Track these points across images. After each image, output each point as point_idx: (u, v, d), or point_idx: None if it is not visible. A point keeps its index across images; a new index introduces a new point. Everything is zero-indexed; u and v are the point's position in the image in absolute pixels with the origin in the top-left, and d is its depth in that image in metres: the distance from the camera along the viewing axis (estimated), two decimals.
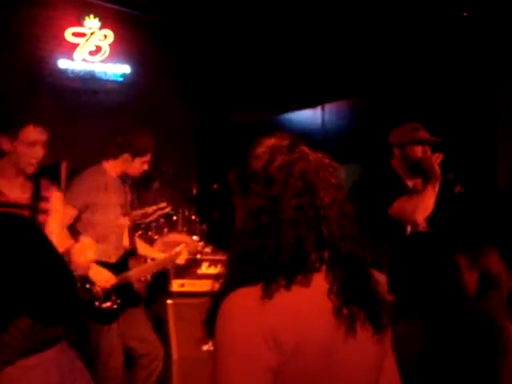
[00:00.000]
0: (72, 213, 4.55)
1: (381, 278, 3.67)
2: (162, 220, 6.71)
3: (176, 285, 5.45)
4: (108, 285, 4.54)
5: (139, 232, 6.43)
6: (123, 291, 4.65)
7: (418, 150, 4.31)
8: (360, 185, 4.23)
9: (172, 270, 5.35)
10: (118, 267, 4.70)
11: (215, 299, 1.63)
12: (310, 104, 9.06)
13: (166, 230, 6.58)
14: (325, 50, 8.24)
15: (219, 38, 9.41)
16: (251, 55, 9.18)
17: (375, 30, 7.51)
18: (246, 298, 1.56)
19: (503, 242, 3.82)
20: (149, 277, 5.13)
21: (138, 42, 9.50)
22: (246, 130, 9.02)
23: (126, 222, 4.88)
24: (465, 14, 6.25)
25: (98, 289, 4.49)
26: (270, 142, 1.72)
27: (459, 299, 2.69)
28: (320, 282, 1.60)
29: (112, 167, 4.76)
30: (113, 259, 4.71)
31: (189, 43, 9.56)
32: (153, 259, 5.10)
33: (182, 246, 5.12)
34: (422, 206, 4.10)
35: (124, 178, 4.83)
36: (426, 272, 2.70)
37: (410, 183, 4.37)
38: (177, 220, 6.75)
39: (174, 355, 5.11)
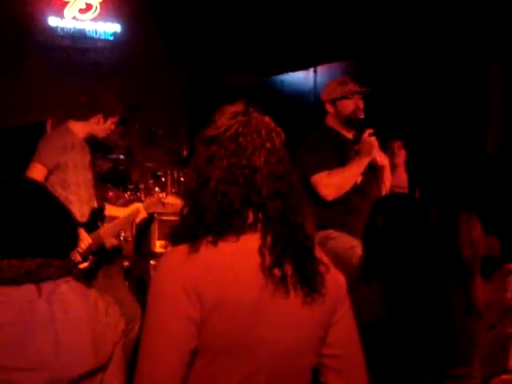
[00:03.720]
0: (42, 171, 4.51)
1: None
2: (151, 181, 6.69)
3: (159, 245, 5.45)
4: (86, 244, 4.50)
5: (128, 193, 6.41)
6: (98, 250, 4.61)
7: (350, 104, 4.19)
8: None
9: (155, 231, 5.32)
10: (89, 226, 4.66)
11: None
12: (302, 66, 9.00)
13: (156, 190, 6.55)
14: (317, 11, 8.16)
15: None
16: (244, 17, 9.08)
17: None
18: (175, 253, 1.69)
19: (492, 208, 3.81)
20: (129, 234, 5.08)
21: (129, 0, 9.39)
22: (238, 92, 8.96)
23: (91, 181, 4.81)
24: None
25: (77, 254, 4.45)
26: (230, 108, 1.79)
27: (423, 267, 2.65)
28: (253, 240, 1.69)
29: (80, 128, 4.67)
30: (84, 219, 4.67)
31: (181, 2, 9.45)
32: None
33: (139, 203, 5.02)
34: (338, 185, 4.00)
35: (88, 139, 4.77)
36: (391, 236, 2.68)
37: (349, 135, 4.27)
38: (165, 181, 6.72)
39: None
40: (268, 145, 1.73)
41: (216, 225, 1.67)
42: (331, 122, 4.27)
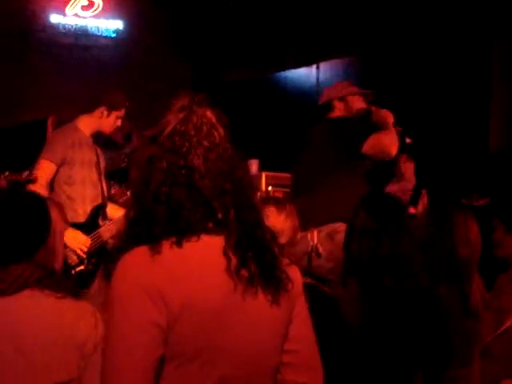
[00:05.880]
0: (51, 168, 4.49)
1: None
2: None
3: None
4: (85, 248, 4.47)
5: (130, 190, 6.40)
6: (97, 250, 4.58)
7: (360, 101, 4.35)
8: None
9: None
10: (90, 225, 4.63)
11: (111, 259, 1.65)
12: (304, 62, 8.97)
13: None
14: (320, 8, 8.15)
15: None
16: (246, 13, 9.07)
17: None
18: (136, 255, 1.59)
19: (495, 207, 3.80)
20: None
21: None
22: (241, 88, 8.96)
23: (97, 180, 4.77)
24: None
25: (74, 257, 4.43)
26: (175, 103, 1.75)
27: (397, 267, 2.62)
28: (216, 241, 1.63)
29: (86, 125, 4.67)
30: (84, 219, 4.63)
31: None
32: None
33: None
34: (394, 141, 4.08)
35: (96, 138, 4.76)
36: (369, 235, 2.66)
37: None
38: None
39: None
40: (206, 142, 1.67)
41: (170, 226, 1.61)
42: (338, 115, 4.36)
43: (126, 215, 1.70)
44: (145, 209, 1.64)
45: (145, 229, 1.62)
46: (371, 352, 2.51)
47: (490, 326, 3.07)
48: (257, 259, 1.66)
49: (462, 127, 6.35)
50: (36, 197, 2.29)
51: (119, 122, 4.75)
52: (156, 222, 1.61)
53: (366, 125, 4.25)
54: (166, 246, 1.58)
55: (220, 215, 1.65)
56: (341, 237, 3.81)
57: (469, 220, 3.04)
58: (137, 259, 1.59)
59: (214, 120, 1.71)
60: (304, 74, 9.05)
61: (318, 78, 8.66)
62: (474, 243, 3.00)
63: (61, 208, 2.73)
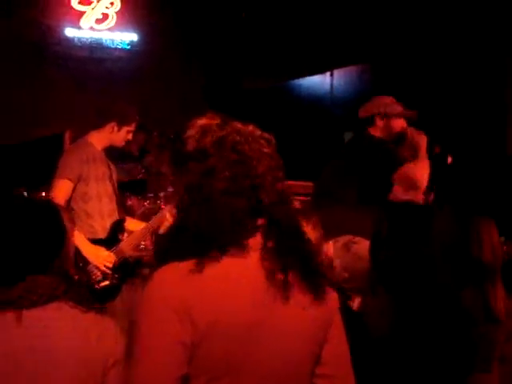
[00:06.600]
0: (69, 186, 4.49)
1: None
2: (170, 189, 6.69)
3: None
4: (109, 264, 4.49)
5: (147, 201, 6.43)
6: (120, 264, 4.58)
7: (401, 123, 4.26)
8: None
9: None
10: (110, 240, 4.63)
11: (151, 266, 1.68)
12: (319, 70, 9.00)
13: None
14: (334, 15, 8.16)
15: (229, 3, 9.32)
16: (260, 23, 9.10)
17: None
18: (174, 270, 1.58)
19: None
20: (149, 243, 5.03)
21: (145, 8, 9.42)
22: (255, 96, 8.99)
23: (112, 194, 4.76)
24: None
25: (98, 273, 4.44)
26: (201, 121, 1.74)
27: (428, 276, 2.62)
28: (254, 248, 1.62)
29: (97, 139, 4.65)
30: (105, 233, 4.63)
31: (197, 9, 9.47)
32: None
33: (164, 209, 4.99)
34: (425, 174, 4.03)
35: (111, 151, 4.76)
36: (395, 244, 2.65)
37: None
38: None
39: None
40: (266, 150, 1.68)
41: (224, 239, 1.60)
42: (377, 135, 4.29)
43: (172, 227, 1.69)
44: (198, 222, 1.62)
45: (189, 243, 1.61)
46: (399, 362, 2.50)
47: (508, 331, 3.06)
48: (295, 268, 1.64)
49: (479, 133, 6.33)
50: (49, 204, 2.30)
51: (130, 136, 4.72)
52: (201, 235, 1.60)
53: (399, 149, 4.23)
54: (206, 261, 1.57)
55: (269, 222, 1.65)
56: (357, 247, 3.82)
57: (492, 227, 3.04)
58: (169, 275, 1.58)
59: (258, 132, 1.72)
60: (318, 82, 9.08)
61: (331, 85, 8.68)
62: (498, 249, 3.00)
63: (69, 212, 2.72)
